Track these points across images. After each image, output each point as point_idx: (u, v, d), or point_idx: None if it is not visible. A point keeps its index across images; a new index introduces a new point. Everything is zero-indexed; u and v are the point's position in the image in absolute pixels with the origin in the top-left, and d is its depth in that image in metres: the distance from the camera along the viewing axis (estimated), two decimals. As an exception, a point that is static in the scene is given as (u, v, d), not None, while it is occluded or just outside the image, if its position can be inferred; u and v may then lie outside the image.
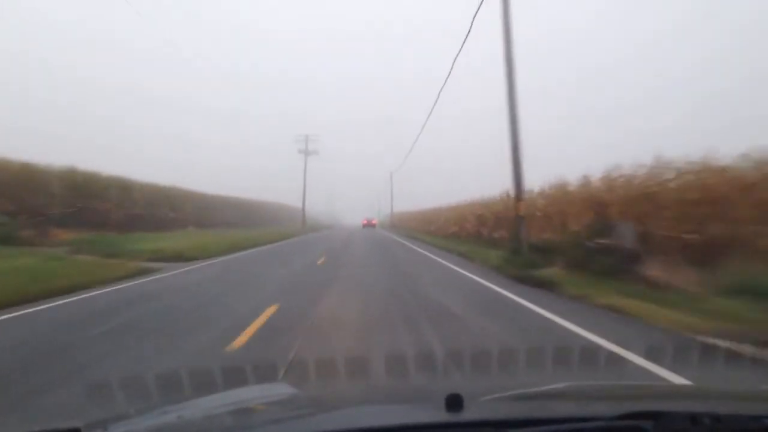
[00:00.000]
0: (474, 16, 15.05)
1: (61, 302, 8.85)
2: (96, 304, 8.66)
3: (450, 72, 21.92)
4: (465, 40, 16.67)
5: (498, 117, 14.64)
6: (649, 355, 4.75)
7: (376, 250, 23.13)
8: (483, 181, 70.77)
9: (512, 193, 14.48)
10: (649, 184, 12.64)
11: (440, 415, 1.45)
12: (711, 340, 5.48)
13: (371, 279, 11.81)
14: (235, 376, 3.97)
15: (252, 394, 2.39)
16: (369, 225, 75.35)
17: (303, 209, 70.12)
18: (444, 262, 16.24)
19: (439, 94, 25.76)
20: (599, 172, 14.98)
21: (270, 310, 7.50)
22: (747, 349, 5.09)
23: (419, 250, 23.01)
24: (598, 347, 5.36)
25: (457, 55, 21.31)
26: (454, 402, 1.44)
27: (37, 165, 25.27)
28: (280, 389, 2.65)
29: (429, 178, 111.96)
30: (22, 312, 7.90)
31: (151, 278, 12.63)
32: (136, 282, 11.76)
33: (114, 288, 10.74)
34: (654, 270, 9.39)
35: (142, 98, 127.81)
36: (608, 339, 5.62)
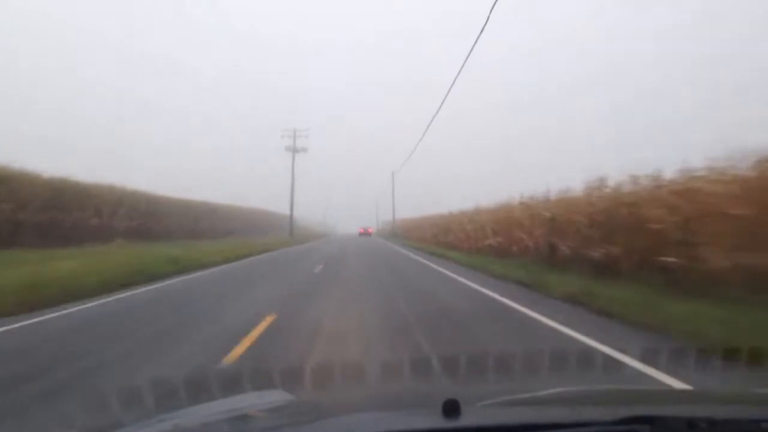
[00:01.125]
0: None
1: None
2: None
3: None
4: None
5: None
6: None
7: (390, 288, 12.86)
8: (498, 188, 61.64)
9: None
10: None
11: (437, 422, 1.40)
12: None
13: None
14: None
15: (249, 401, 2.25)
16: (365, 234, 79.57)
17: (291, 216, 59.77)
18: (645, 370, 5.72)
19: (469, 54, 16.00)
20: None
21: None
22: None
23: (482, 289, 12.74)
24: None
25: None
26: (451, 408, 1.40)
27: None
28: (278, 396, 2.39)
29: (434, 184, 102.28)
30: None
31: None
32: None
33: None
34: None
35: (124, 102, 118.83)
36: None
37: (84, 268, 13.61)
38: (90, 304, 9.46)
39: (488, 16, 14.28)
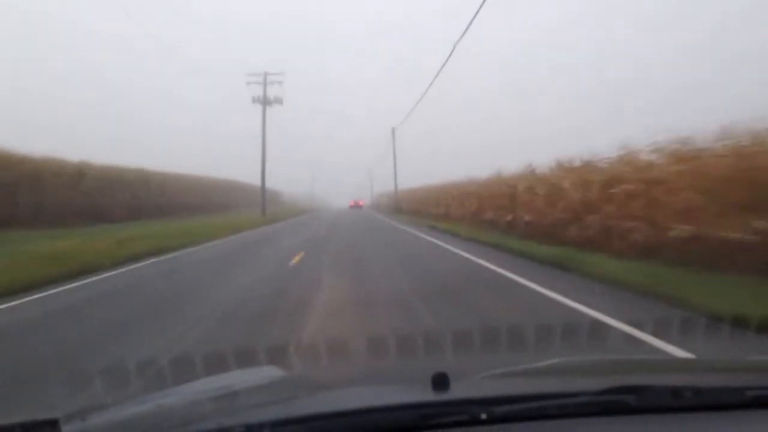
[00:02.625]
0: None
1: None
2: None
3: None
4: None
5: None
6: None
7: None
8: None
9: None
10: None
11: (426, 395, 1.39)
12: None
13: None
14: None
15: (238, 378, 2.19)
16: (356, 206, 78.73)
17: (262, 187, 45.47)
18: None
19: None
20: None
21: None
22: None
23: None
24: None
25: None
26: (440, 381, 1.40)
27: None
28: (268, 372, 2.40)
29: (438, 151, 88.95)
30: None
31: None
32: None
33: None
34: None
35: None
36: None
37: None
38: None
39: None
